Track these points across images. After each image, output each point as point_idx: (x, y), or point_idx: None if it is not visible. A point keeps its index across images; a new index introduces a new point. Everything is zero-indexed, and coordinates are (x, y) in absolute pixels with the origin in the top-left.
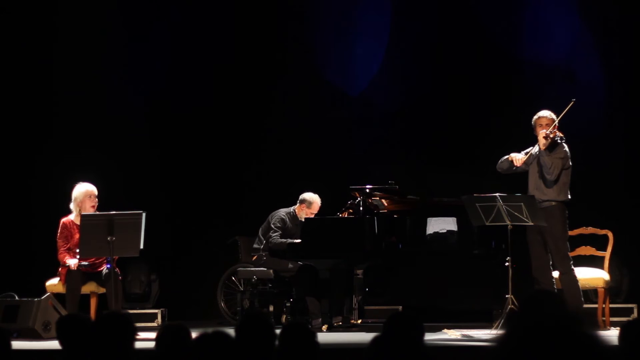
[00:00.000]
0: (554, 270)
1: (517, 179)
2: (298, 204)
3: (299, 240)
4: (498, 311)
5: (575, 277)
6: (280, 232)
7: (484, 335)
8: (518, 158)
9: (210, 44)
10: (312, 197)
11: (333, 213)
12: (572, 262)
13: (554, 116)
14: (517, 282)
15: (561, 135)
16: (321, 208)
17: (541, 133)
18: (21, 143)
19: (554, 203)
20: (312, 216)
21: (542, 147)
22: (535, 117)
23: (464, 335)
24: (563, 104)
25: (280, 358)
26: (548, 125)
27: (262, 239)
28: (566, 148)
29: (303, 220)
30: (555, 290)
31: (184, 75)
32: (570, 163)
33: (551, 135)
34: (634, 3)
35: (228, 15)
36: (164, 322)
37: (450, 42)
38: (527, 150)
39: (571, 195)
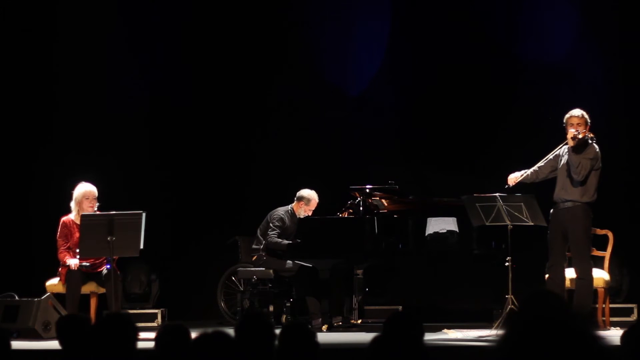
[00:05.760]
0: (572, 269)
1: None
2: (296, 202)
3: (297, 241)
4: (498, 311)
5: (591, 282)
6: (279, 231)
7: (484, 335)
8: (511, 177)
9: (210, 43)
10: (310, 194)
11: (333, 213)
12: (592, 266)
13: (586, 116)
14: (517, 282)
15: (591, 135)
16: (321, 208)
17: (570, 132)
18: (21, 143)
19: (577, 203)
20: (310, 213)
21: (570, 145)
22: (567, 115)
23: (464, 335)
24: (564, 105)
25: (280, 358)
26: (579, 124)
27: (261, 239)
28: (597, 148)
29: (300, 217)
30: (565, 290)
31: (184, 76)
32: (600, 164)
33: (579, 136)
34: (634, 3)
35: (228, 14)
36: (164, 322)
37: (450, 43)
38: (522, 172)
39: (597, 196)
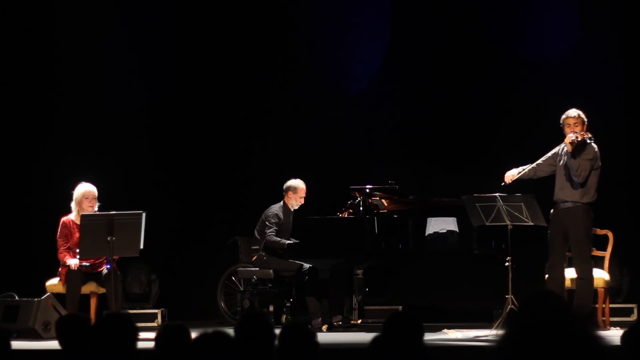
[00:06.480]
0: (572, 269)
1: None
2: (285, 194)
3: (296, 241)
4: (498, 311)
5: (591, 282)
6: (276, 228)
7: (484, 335)
8: (508, 175)
9: (210, 43)
10: (296, 182)
11: (333, 213)
12: (592, 266)
13: (582, 115)
14: (517, 282)
15: (589, 135)
16: (321, 208)
17: (568, 137)
18: (22, 143)
19: (578, 204)
20: (302, 201)
21: (569, 150)
22: (564, 116)
23: (464, 335)
24: (564, 104)
25: (280, 358)
26: (576, 124)
27: (260, 238)
28: (595, 148)
29: (294, 209)
30: (565, 290)
31: (184, 76)
32: (600, 163)
33: (578, 139)
34: (634, 2)
35: (228, 14)
36: (164, 322)
37: (451, 43)
38: (520, 169)
39: (597, 196)
